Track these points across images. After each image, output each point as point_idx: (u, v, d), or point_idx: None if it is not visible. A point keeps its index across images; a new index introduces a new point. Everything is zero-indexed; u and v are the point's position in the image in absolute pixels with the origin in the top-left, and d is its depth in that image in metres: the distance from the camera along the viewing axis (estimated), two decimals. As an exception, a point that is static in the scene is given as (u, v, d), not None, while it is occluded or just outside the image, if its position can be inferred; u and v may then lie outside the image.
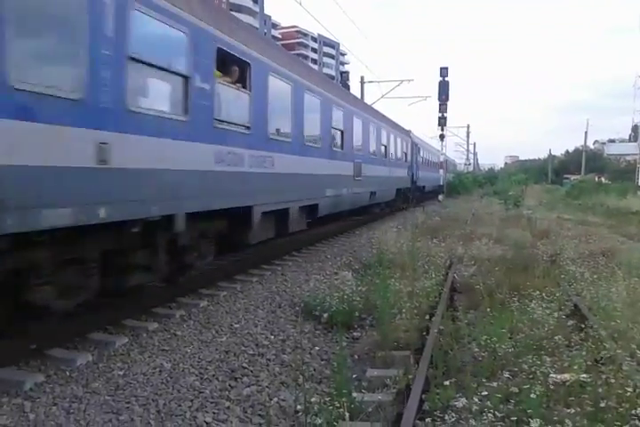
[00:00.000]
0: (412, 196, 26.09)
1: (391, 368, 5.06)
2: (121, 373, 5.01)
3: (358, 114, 15.65)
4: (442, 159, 40.45)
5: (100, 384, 4.73)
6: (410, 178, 25.98)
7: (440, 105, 36.38)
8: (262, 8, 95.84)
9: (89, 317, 6.16)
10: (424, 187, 31.52)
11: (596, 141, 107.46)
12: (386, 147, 19.82)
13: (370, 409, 4.07)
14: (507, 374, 4.62)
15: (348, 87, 39.39)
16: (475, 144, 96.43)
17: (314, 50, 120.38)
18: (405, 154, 25.00)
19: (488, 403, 4.06)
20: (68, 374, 4.92)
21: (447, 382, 4.38)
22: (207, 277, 8.61)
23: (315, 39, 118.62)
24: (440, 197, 36.14)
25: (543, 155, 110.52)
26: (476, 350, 5.26)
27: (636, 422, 3.63)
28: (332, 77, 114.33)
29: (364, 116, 16.44)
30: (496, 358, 5.02)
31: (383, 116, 20.96)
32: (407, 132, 26.97)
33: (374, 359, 5.43)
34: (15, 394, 4.44)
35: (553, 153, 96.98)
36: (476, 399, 4.09)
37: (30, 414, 4.14)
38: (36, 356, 5.15)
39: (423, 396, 4.26)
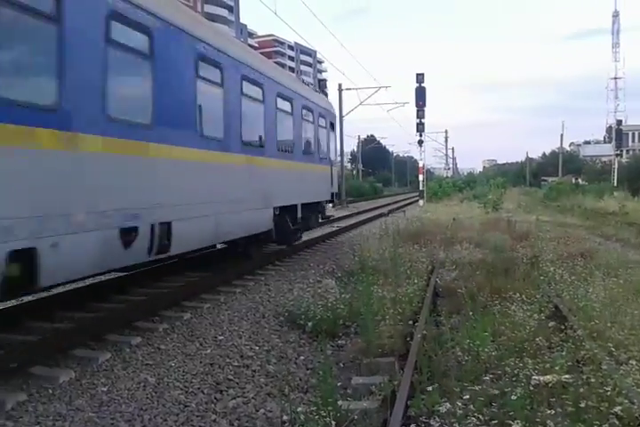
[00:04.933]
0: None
1: (376, 375, 5.09)
2: (105, 389, 4.96)
3: None
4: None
5: (83, 401, 4.69)
6: None
7: (417, 111, 36.67)
8: (238, 17, 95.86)
9: (70, 332, 6.10)
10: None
11: (571, 143, 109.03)
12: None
13: (356, 417, 4.09)
14: (490, 378, 4.68)
15: (325, 94, 39.59)
16: (453, 149, 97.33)
17: (291, 58, 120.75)
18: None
19: (472, 407, 4.11)
20: (50, 391, 4.86)
21: (431, 388, 4.41)
22: (190, 290, 8.57)
23: (291, 47, 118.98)
24: (421, 202, 36.45)
25: (521, 158, 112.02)
26: (460, 354, 5.30)
27: (615, 420, 3.70)
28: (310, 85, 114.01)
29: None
30: (479, 361, 5.08)
31: None
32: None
33: (359, 367, 5.46)
34: (-3, 414, 4.38)
35: (530, 156, 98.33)
36: (460, 404, 4.13)
37: (13, 435, 4.09)
38: (18, 374, 5.07)
39: (408, 402, 4.29)
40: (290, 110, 12.06)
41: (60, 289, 7.67)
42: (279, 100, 11.26)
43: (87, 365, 5.50)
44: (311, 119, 13.91)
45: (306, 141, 13.37)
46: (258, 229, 10.22)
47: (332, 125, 16.51)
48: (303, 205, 12.70)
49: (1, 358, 5.18)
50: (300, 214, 12.49)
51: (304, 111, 13.17)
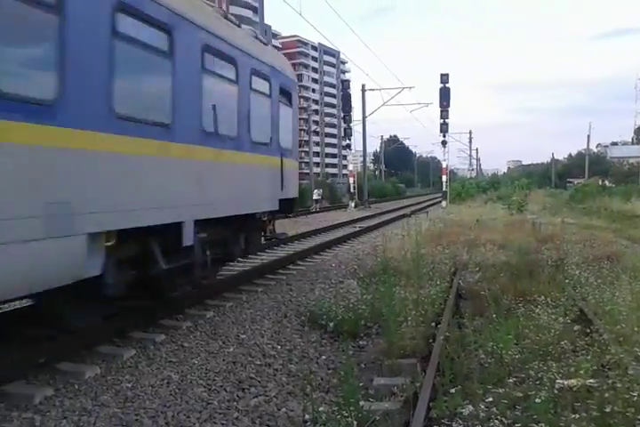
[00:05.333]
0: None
1: (398, 376, 5.08)
2: (129, 385, 5.04)
3: None
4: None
5: (108, 397, 4.77)
6: None
7: (441, 111, 36.50)
8: (262, 18, 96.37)
9: (96, 329, 6.20)
10: None
11: (598, 145, 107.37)
12: None
13: (377, 418, 4.08)
14: (513, 381, 4.63)
15: (349, 95, 39.64)
16: (477, 149, 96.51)
17: (314, 59, 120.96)
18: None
19: (494, 409, 4.08)
20: (76, 387, 4.95)
21: (454, 390, 4.39)
22: (213, 289, 8.65)
23: (315, 48, 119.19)
24: (444, 203, 36.25)
25: (546, 159, 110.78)
26: (483, 356, 5.26)
27: (642, 426, 3.64)
28: (334, 86, 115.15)
29: None
30: (502, 364, 5.03)
31: None
32: None
33: (381, 368, 5.45)
34: (25, 408, 4.48)
35: (556, 157, 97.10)
36: (483, 406, 4.10)
37: (41, 428, 4.17)
38: (45, 370, 5.18)
39: (430, 404, 4.27)
40: (167, 50, 6.37)
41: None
42: (130, 20, 5.66)
43: (112, 361, 5.59)
44: (233, 78, 8.22)
45: (215, 114, 7.53)
46: (16, 291, 4.52)
47: (289, 96, 10.64)
48: (208, 222, 7.34)
49: (30, 354, 5.29)
50: (190, 241, 6.78)
51: (213, 60, 7.54)
